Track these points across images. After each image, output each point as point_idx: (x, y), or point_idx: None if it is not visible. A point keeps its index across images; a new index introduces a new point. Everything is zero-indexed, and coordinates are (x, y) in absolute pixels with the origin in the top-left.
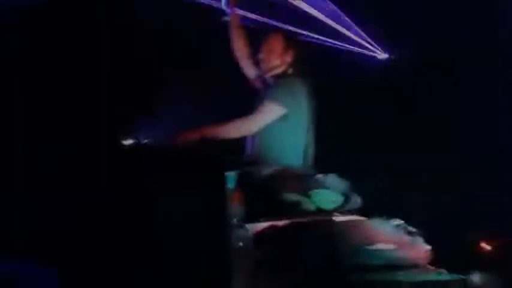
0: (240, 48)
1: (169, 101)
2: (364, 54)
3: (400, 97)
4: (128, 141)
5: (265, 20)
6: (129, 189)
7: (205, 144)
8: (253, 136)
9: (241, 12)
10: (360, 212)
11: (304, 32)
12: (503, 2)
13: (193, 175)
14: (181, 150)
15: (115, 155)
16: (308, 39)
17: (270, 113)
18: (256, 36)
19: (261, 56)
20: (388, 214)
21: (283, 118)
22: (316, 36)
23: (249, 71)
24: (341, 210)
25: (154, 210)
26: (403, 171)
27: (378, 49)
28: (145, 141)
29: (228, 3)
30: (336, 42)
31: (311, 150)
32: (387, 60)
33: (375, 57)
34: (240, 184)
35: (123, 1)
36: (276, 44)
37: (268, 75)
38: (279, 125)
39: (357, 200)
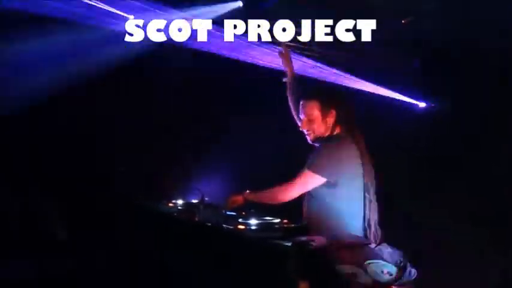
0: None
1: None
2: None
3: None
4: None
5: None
6: None
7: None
8: (308, 201)
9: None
10: (415, 284)
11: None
12: None
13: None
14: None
15: None
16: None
17: (307, 182)
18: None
19: (303, 128)
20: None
21: (330, 186)
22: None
23: None
24: (397, 283)
25: None
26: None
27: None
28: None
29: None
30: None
31: (368, 218)
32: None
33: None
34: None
35: None
36: (314, 112)
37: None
38: (326, 193)
39: (411, 272)
